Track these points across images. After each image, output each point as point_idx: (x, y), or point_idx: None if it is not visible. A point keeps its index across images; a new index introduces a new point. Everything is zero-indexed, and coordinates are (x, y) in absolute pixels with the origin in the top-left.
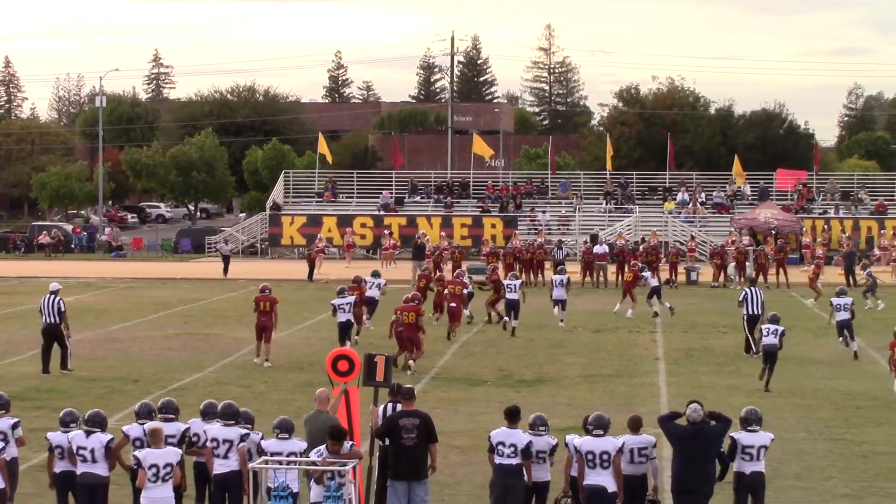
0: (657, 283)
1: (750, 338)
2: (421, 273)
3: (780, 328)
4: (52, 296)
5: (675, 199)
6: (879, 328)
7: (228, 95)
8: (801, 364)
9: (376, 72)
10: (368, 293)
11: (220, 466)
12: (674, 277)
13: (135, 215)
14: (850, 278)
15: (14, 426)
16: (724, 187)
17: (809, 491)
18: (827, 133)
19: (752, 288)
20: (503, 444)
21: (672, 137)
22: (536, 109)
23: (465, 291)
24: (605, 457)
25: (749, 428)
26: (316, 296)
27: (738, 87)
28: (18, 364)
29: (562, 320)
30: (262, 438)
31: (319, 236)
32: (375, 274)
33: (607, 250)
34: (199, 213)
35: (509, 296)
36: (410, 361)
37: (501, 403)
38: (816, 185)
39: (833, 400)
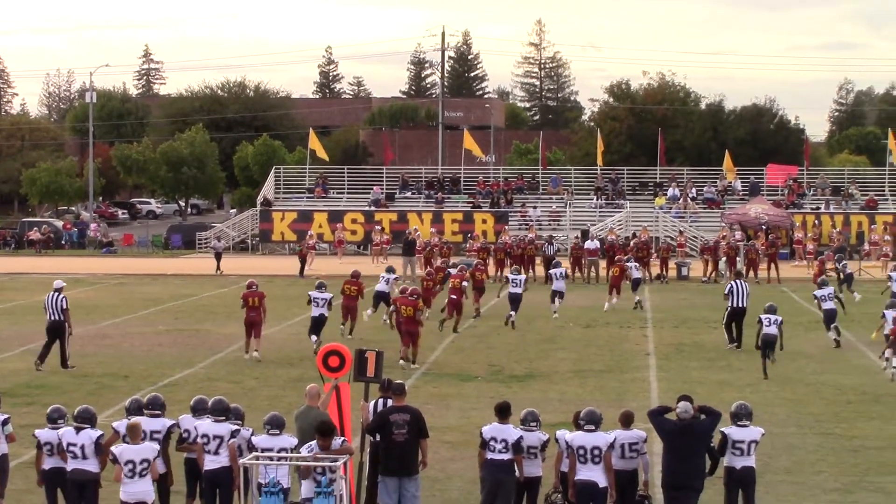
0: (639, 276)
1: (727, 331)
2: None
3: (779, 318)
4: (56, 293)
5: (665, 195)
6: (869, 323)
7: (219, 91)
8: (792, 358)
9: (367, 67)
10: (378, 287)
11: (210, 462)
12: (664, 273)
13: (125, 211)
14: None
15: (4, 422)
16: (715, 182)
17: (800, 485)
18: (817, 128)
19: (739, 281)
20: (495, 439)
21: (663, 133)
22: (527, 105)
23: (464, 284)
24: (596, 452)
25: (739, 423)
26: (307, 292)
27: (728, 82)
28: (9, 360)
29: (555, 312)
30: (252, 434)
31: (310, 233)
32: (390, 270)
33: (598, 246)
34: (189, 210)
35: (512, 290)
36: (409, 354)
37: (492, 399)
38: (807, 180)
39: (823, 394)
